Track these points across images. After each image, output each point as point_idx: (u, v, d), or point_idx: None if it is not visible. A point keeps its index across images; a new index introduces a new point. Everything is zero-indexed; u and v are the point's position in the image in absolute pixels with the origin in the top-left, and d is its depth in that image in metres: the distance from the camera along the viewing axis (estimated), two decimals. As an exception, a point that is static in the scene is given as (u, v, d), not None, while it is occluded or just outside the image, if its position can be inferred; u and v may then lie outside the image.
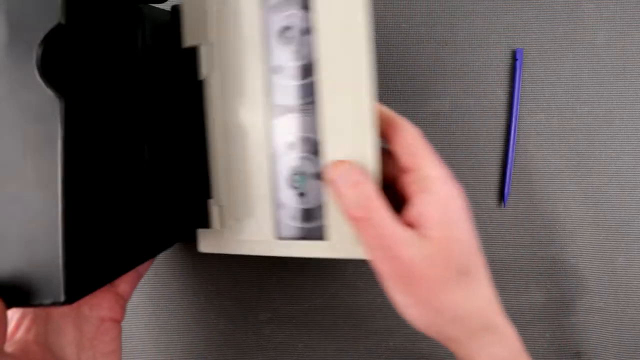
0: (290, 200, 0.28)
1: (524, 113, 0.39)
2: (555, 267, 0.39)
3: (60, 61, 0.22)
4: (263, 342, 0.40)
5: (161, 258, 0.40)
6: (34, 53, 0.21)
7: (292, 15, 0.27)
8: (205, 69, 0.29)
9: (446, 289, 0.24)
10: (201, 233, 0.30)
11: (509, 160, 0.39)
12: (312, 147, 0.27)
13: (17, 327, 0.29)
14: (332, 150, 0.26)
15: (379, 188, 0.25)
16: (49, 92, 0.21)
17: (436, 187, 0.24)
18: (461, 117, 0.39)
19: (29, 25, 0.21)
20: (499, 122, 0.39)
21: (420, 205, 0.24)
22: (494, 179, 0.39)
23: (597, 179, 0.39)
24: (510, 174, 0.39)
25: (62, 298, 0.21)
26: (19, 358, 0.27)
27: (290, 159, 0.28)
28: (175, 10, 0.34)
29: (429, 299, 0.24)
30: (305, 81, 0.27)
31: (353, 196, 0.24)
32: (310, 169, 0.27)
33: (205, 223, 0.30)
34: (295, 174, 0.28)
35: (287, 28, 0.27)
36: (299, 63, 0.27)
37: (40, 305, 0.21)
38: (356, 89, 0.25)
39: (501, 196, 0.39)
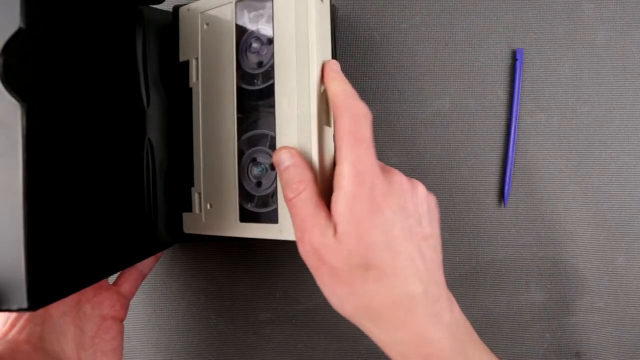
0: (251, 188, 0.32)
1: (524, 113, 0.39)
2: (555, 267, 0.39)
3: (22, 67, 0.22)
4: (263, 342, 0.40)
5: (161, 258, 0.40)
6: None
7: (260, 29, 0.31)
8: (193, 78, 0.34)
9: (348, 280, 0.25)
10: (185, 216, 0.34)
11: (509, 160, 0.39)
12: (271, 141, 0.31)
13: (12, 326, 0.29)
14: (284, 143, 0.30)
15: (320, 177, 0.27)
16: (10, 99, 0.21)
17: (345, 184, 0.25)
18: (461, 117, 0.39)
19: None
20: (499, 122, 0.39)
21: (335, 201, 0.25)
22: (494, 179, 0.39)
23: (597, 179, 0.39)
24: (510, 174, 0.39)
25: (25, 304, 0.21)
26: (5, 358, 0.27)
27: (253, 152, 0.32)
28: (177, 12, 0.34)
29: (334, 285, 0.25)
30: (265, 85, 0.31)
31: (286, 178, 0.26)
32: (268, 160, 0.31)
33: (189, 208, 0.34)
34: (255, 166, 0.31)
35: (254, 39, 0.31)
36: (261, 70, 0.31)
37: (8, 310, 0.21)
38: (304, 91, 0.29)
39: (501, 196, 0.39)
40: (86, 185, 0.26)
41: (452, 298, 0.28)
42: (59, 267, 0.24)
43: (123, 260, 0.31)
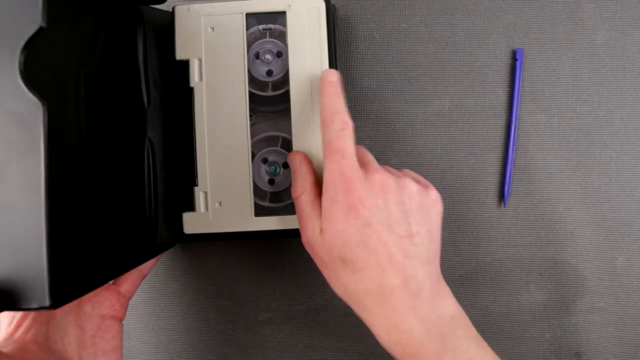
0: (264, 185, 0.35)
1: (524, 113, 0.39)
2: (555, 267, 0.39)
3: (42, 66, 0.22)
4: (263, 342, 0.40)
5: (161, 258, 0.40)
6: (17, 58, 0.21)
7: (268, 41, 0.34)
8: (195, 78, 0.34)
9: (332, 269, 0.29)
10: (186, 216, 0.35)
11: (509, 160, 0.39)
12: (282, 143, 0.35)
13: (17, 326, 0.29)
14: (299, 145, 0.34)
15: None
16: (31, 97, 0.21)
17: (325, 190, 0.29)
18: (461, 117, 0.39)
19: (10, 30, 0.21)
20: (499, 122, 0.39)
21: (322, 202, 0.29)
22: (494, 179, 0.39)
23: (597, 179, 0.39)
24: (510, 174, 0.39)
25: (47, 302, 0.21)
26: (15, 358, 0.27)
27: (264, 152, 0.35)
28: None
29: (325, 271, 0.30)
30: (277, 92, 0.34)
31: (294, 180, 0.31)
32: (281, 160, 0.35)
33: (191, 207, 0.34)
34: (269, 165, 0.35)
35: (265, 51, 0.34)
36: (271, 79, 0.34)
37: (28, 309, 0.21)
38: (319, 100, 0.32)
39: (501, 196, 0.39)
40: (96, 185, 0.27)
41: (445, 294, 0.29)
42: (76, 266, 0.24)
43: (132, 260, 0.31)
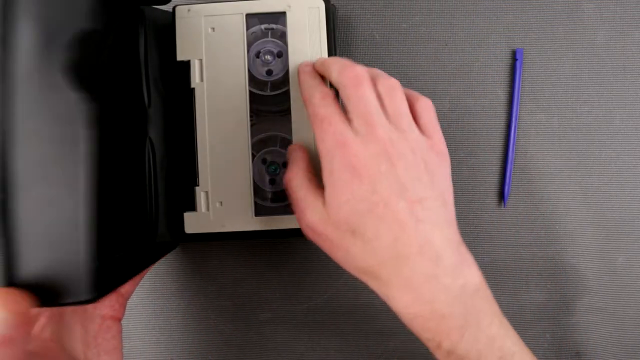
0: (264, 185, 0.35)
1: (524, 113, 0.39)
2: (555, 267, 0.39)
3: (83, 66, 0.23)
4: (263, 342, 0.40)
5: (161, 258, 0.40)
6: (62, 57, 0.21)
7: (269, 41, 0.35)
8: (196, 79, 0.34)
9: (341, 245, 0.27)
10: (187, 216, 0.35)
11: (509, 160, 0.39)
12: (282, 143, 0.35)
13: (33, 325, 0.29)
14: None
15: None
16: (75, 95, 0.22)
17: (322, 162, 0.28)
18: (461, 117, 0.39)
19: (57, 30, 0.22)
20: (499, 122, 0.39)
21: (322, 177, 0.28)
22: (494, 179, 0.39)
23: (597, 179, 0.39)
24: (510, 174, 0.39)
25: (89, 295, 0.22)
26: (41, 356, 0.27)
27: (264, 152, 0.35)
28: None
29: (333, 251, 0.28)
30: (277, 92, 0.35)
31: (287, 168, 0.31)
32: (281, 160, 0.35)
33: (192, 207, 0.35)
34: (269, 165, 0.35)
35: (265, 51, 0.35)
36: (271, 78, 0.35)
37: (69, 304, 0.22)
38: None
39: (501, 196, 0.39)
40: (119, 181, 0.27)
41: (467, 261, 0.27)
42: (113, 257, 0.25)
43: (147, 259, 0.32)
